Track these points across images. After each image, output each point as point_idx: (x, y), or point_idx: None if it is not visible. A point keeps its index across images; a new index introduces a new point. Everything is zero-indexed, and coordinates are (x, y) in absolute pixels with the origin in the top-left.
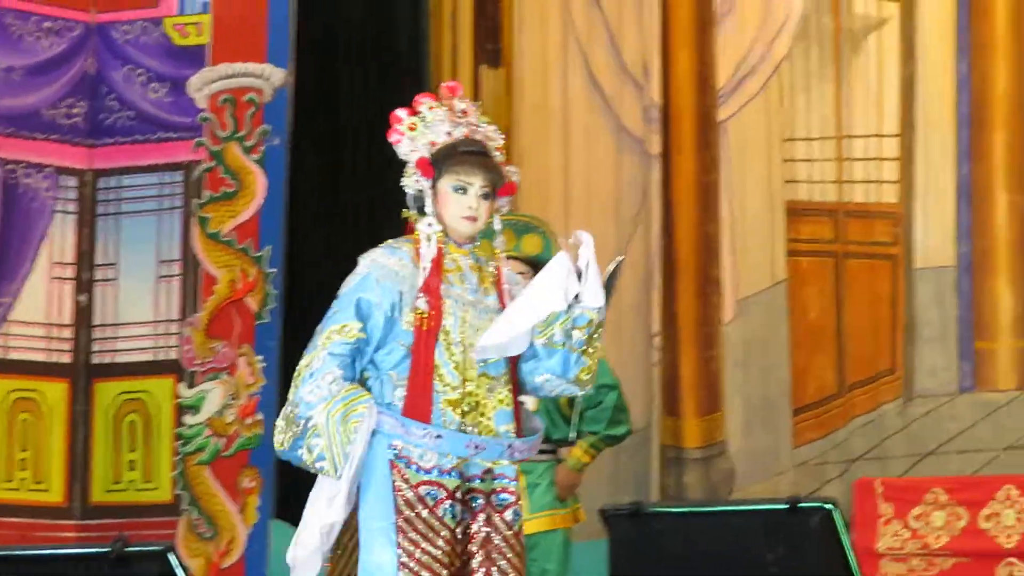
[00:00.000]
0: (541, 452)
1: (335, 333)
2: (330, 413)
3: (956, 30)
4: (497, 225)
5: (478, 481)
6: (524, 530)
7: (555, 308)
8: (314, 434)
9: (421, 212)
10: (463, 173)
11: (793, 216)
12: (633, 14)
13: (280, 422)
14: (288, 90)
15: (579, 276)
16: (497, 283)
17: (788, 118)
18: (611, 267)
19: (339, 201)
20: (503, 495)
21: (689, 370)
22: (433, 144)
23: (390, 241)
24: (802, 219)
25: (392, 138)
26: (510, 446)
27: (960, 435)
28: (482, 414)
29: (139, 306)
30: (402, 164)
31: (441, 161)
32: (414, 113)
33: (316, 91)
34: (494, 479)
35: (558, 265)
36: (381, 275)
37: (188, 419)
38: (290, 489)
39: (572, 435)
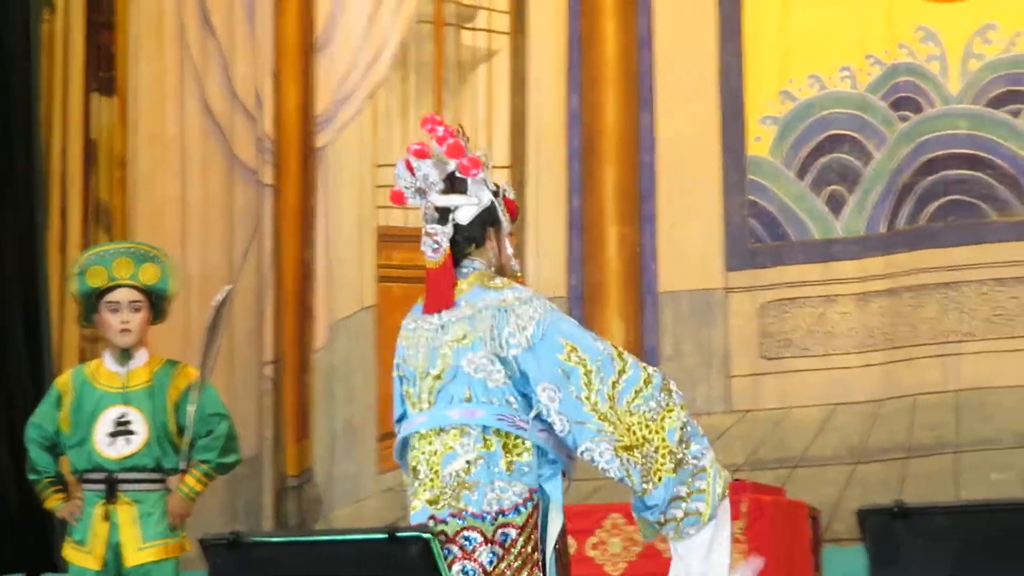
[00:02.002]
0: (153, 482)
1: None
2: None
3: (568, 64)
4: None
5: None
6: (137, 560)
7: None
8: (699, 476)
9: (476, 245)
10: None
11: (386, 242)
12: (246, 43)
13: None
14: None
15: None
16: None
17: (384, 145)
18: (219, 296)
19: None
20: None
21: (290, 397)
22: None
23: (509, 281)
24: (396, 245)
25: (472, 171)
26: None
27: None
28: None
29: None
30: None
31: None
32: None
33: None
34: None
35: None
36: None
37: None
38: None
39: (182, 464)
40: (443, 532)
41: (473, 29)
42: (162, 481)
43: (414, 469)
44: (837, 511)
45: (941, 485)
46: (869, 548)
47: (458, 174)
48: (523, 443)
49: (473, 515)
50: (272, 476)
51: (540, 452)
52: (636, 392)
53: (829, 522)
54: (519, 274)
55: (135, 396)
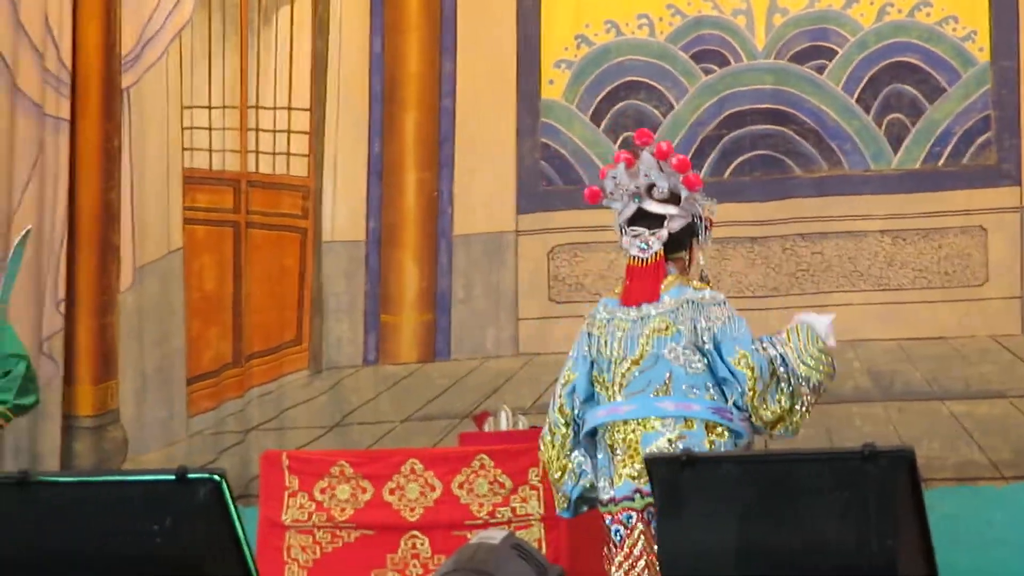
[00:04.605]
0: None
1: None
2: None
3: (371, 8)
4: None
5: None
6: None
7: None
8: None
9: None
10: None
11: (191, 184)
12: None
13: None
14: None
15: None
16: None
17: (188, 86)
18: (19, 237)
19: None
20: None
21: (85, 337)
22: None
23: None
24: (201, 188)
25: (696, 187)
26: None
27: (363, 407)
28: None
29: None
30: None
31: None
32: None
33: None
34: None
35: None
36: None
37: None
38: None
39: None
40: (650, 504)
41: None
42: None
43: (610, 447)
44: None
45: None
46: (657, 496)
47: (681, 186)
48: (720, 426)
49: None
50: (59, 416)
51: (734, 436)
52: (780, 393)
53: None
54: (708, 281)
55: None
